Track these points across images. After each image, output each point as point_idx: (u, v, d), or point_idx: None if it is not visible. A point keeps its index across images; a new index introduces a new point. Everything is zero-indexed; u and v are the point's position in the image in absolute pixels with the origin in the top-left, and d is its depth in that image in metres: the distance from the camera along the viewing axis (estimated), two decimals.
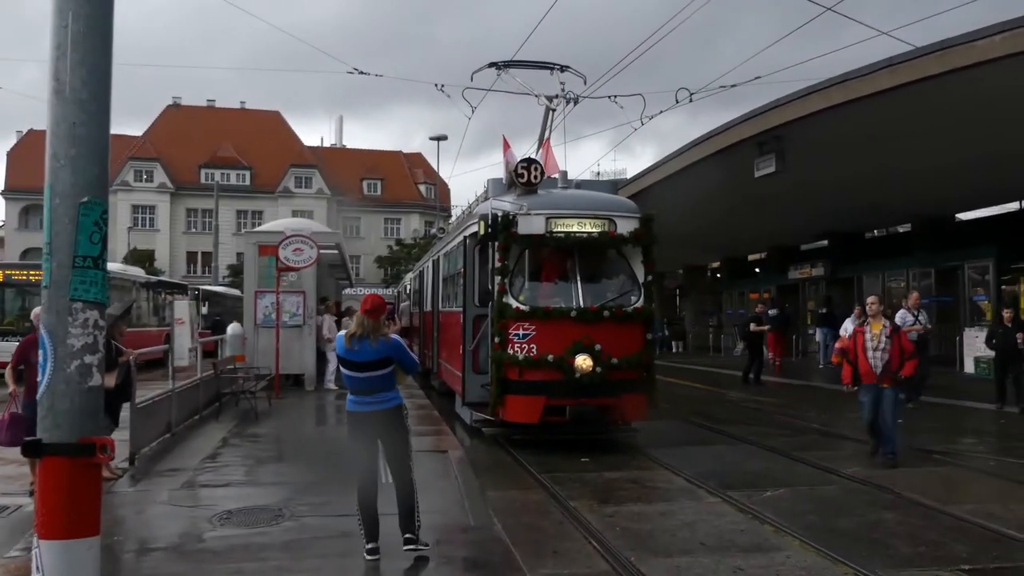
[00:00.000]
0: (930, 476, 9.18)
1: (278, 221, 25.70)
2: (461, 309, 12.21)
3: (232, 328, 17.79)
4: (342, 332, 6.29)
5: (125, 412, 9.75)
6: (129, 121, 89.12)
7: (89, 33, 2.91)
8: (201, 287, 37.19)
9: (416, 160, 73.75)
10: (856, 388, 10.12)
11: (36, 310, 6.86)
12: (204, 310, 31.77)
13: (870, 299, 10.41)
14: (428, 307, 18.72)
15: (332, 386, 16.52)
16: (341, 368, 6.29)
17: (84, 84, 2.90)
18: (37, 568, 2.80)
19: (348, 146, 76.29)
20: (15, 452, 6.85)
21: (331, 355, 16.24)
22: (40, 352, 2.89)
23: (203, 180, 63.21)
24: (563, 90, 14.44)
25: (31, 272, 21.39)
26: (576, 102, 15.10)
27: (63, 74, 2.87)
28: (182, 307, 13.74)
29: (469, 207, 16.25)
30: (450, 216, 61.70)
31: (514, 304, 10.66)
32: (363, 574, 5.79)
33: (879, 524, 7.19)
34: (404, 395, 6.38)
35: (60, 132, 2.87)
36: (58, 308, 2.84)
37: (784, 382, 21.51)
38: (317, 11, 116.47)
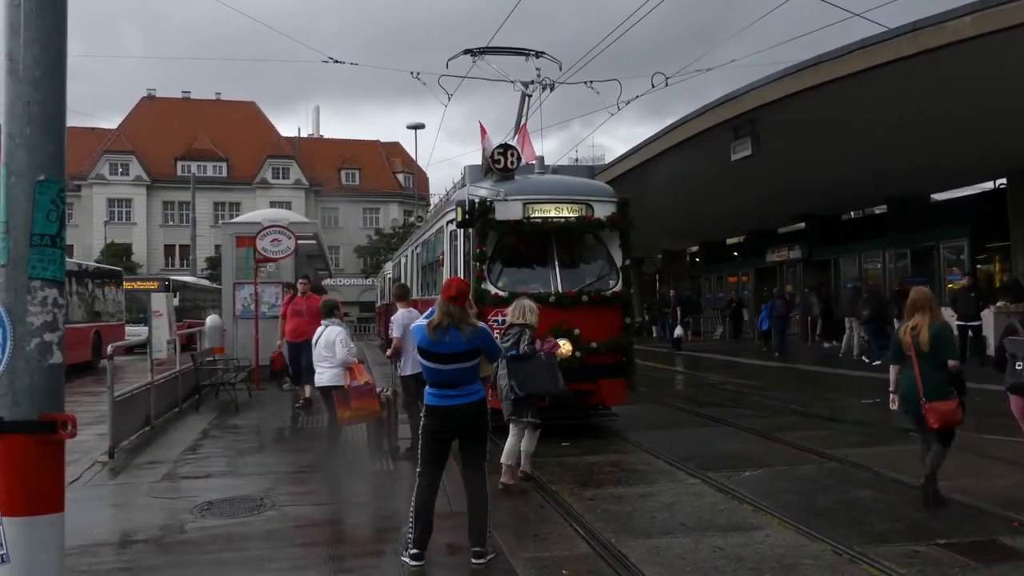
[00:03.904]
0: (907, 454, 9.25)
1: (255, 212, 25.56)
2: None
3: (211, 320, 17.72)
4: (421, 322, 5.86)
5: (105, 405, 9.72)
6: (104, 114, 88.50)
7: (41, 11, 2.89)
8: (171, 277, 36.65)
9: (394, 149, 73.43)
10: None
11: None
12: (176, 301, 30.40)
13: None
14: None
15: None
16: (421, 360, 5.78)
17: (37, 63, 2.88)
18: (1, 545, 2.80)
19: (325, 136, 75.82)
20: None
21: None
22: None
23: (179, 172, 62.58)
24: (539, 76, 14.42)
25: None
26: (552, 88, 15.08)
27: (16, 53, 2.86)
28: (159, 299, 13.62)
29: (447, 194, 16.20)
30: (429, 205, 61.66)
31: (492, 290, 10.67)
32: (343, 562, 5.81)
33: (856, 502, 7.27)
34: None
35: (14, 111, 2.86)
36: (16, 287, 2.83)
37: (762, 364, 21.66)
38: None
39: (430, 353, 5.66)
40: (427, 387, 5.79)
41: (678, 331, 28.59)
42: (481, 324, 5.92)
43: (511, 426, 8.15)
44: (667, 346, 28.74)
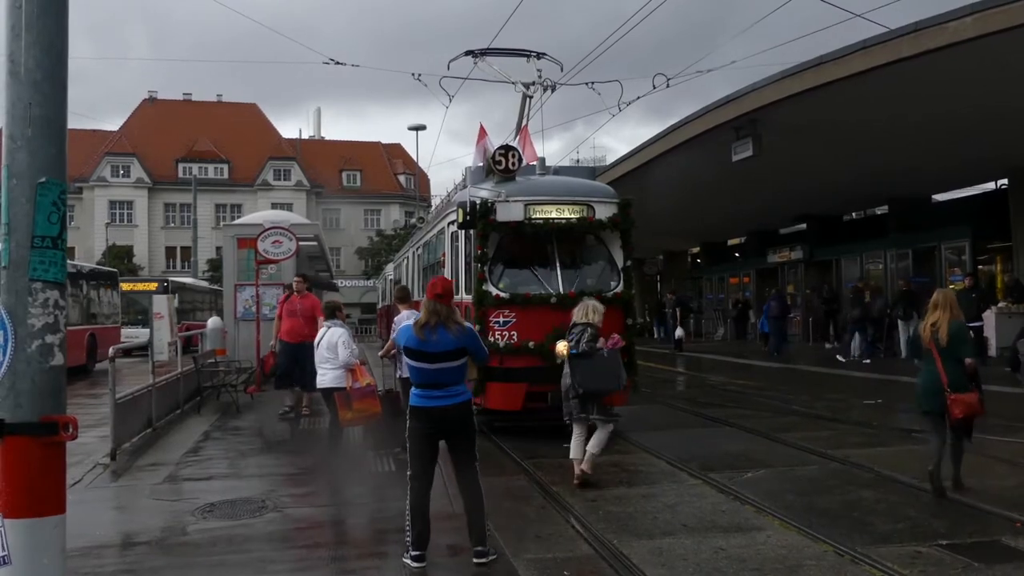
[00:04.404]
0: (909, 454, 9.26)
1: (257, 214, 25.54)
2: None
3: (212, 322, 17.72)
4: (408, 322, 5.90)
5: (107, 407, 9.72)
6: (105, 116, 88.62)
7: (42, 13, 2.90)
8: (169, 279, 36.46)
9: (395, 151, 73.47)
10: None
11: None
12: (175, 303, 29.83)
13: None
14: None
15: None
16: (408, 360, 5.77)
17: (38, 65, 2.89)
18: (3, 547, 2.80)
19: (326, 138, 75.89)
20: None
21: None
22: (0, 333, 2.89)
23: (180, 174, 62.64)
24: (540, 77, 14.40)
25: None
26: (553, 89, 15.06)
27: (17, 55, 2.87)
28: (161, 302, 13.65)
29: (448, 196, 16.22)
30: (430, 206, 61.70)
31: (494, 291, 10.67)
32: (345, 563, 5.80)
33: (858, 502, 7.27)
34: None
35: (16, 113, 2.87)
36: (17, 288, 2.84)
37: (764, 365, 21.65)
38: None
39: (417, 352, 5.64)
40: (412, 388, 5.78)
41: (679, 332, 28.62)
42: (467, 324, 5.92)
43: (574, 425, 8.20)
44: (668, 347, 28.74)
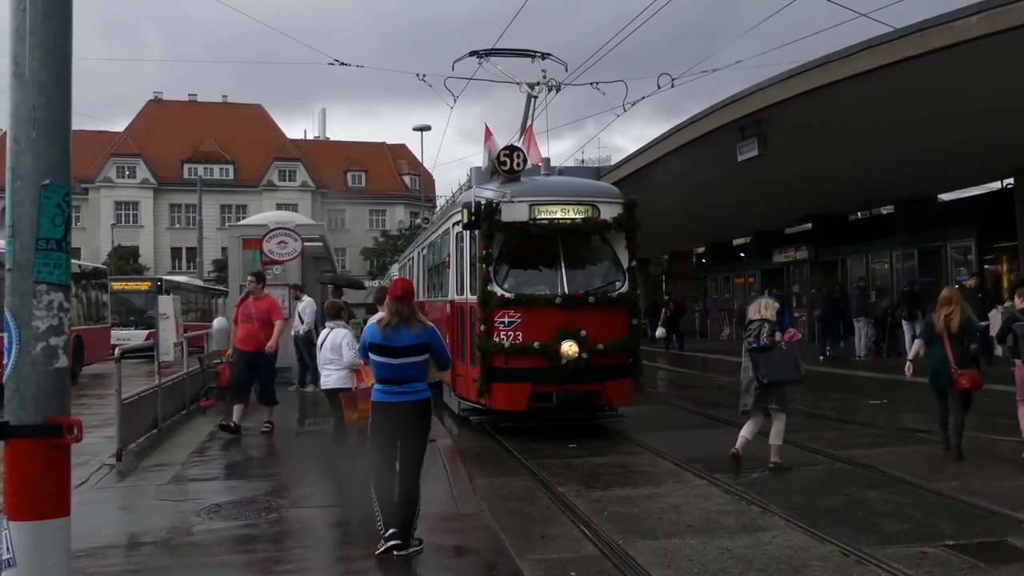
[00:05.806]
0: (914, 455, 9.26)
1: (262, 215, 25.56)
2: (448, 299, 12.23)
3: (217, 322, 17.72)
4: (373, 321, 6.09)
5: (113, 408, 9.74)
6: (110, 117, 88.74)
7: (47, 15, 2.90)
8: (164, 278, 36.08)
9: (400, 151, 73.51)
10: None
11: None
12: None
13: None
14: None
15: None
16: (372, 357, 5.95)
17: (43, 66, 2.89)
18: (7, 549, 2.81)
19: (331, 138, 75.92)
20: None
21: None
22: (5, 335, 2.89)
23: (186, 175, 62.73)
24: (545, 77, 14.41)
25: None
26: (558, 89, 15.07)
27: (21, 57, 2.87)
28: (167, 302, 13.65)
29: (453, 196, 16.22)
30: (435, 207, 61.69)
31: (499, 292, 10.66)
32: (350, 563, 5.80)
33: (864, 503, 7.25)
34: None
35: (20, 115, 2.87)
36: (22, 290, 2.85)
37: None
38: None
39: (382, 347, 5.83)
40: (375, 385, 5.97)
41: (660, 331, 28.67)
42: (430, 323, 6.07)
43: (749, 417, 8.85)
44: (674, 347, 28.66)
